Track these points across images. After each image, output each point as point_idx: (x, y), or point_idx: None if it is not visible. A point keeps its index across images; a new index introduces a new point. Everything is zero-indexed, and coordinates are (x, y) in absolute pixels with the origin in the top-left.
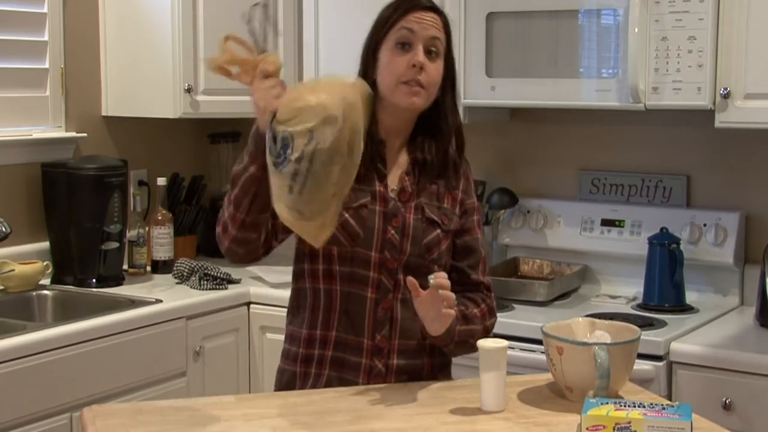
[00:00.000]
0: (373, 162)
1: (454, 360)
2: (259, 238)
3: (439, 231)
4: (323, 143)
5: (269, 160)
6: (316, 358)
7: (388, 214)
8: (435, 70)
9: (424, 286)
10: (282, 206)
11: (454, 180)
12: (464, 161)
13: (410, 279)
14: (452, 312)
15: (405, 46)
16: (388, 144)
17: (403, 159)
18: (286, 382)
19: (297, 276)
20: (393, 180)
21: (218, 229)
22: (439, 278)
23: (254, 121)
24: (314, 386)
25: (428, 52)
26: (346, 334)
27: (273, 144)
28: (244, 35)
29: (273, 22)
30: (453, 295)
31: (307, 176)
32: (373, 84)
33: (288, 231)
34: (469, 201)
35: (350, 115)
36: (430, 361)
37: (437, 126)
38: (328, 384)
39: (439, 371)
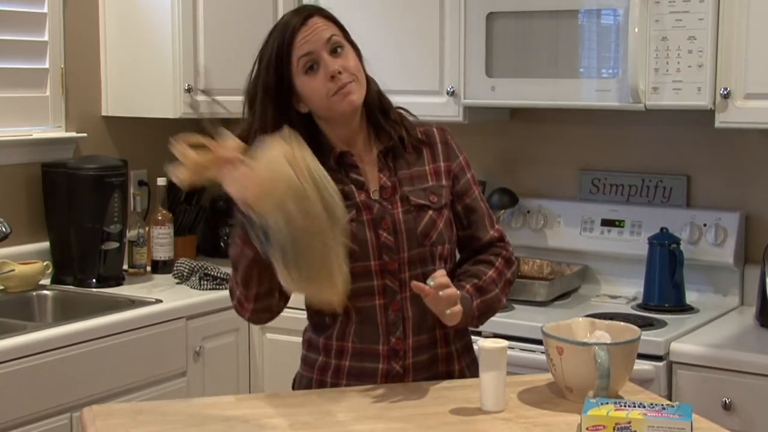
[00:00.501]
0: (348, 175)
1: None
2: (278, 301)
3: (430, 212)
4: (295, 219)
5: (257, 246)
6: (333, 367)
7: (376, 220)
8: (350, 60)
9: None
10: (286, 284)
11: (430, 152)
12: (438, 129)
13: (415, 283)
14: (457, 309)
15: (313, 66)
16: (353, 151)
17: (372, 158)
18: (305, 388)
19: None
20: (372, 182)
21: (234, 303)
22: (438, 278)
23: None
24: None
25: (333, 51)
26: (362, 344)
27: (251, 230)
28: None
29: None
30: (455, 292)
31: (297, 254)
32: (305, 115)
33: None
34: (455, 163)
35: (302, 171)
36: (446, 351)
37: (377, 111)
38: None
39: (456, 359)
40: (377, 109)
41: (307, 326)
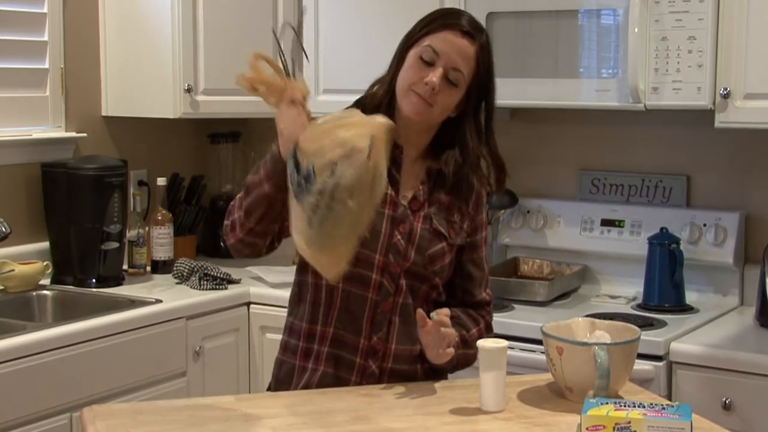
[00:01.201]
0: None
1: None
2: (265, 243)
3: (444, 244)
4: (345, 179)
5: (291, 187)
6: (314, 353)
7: (396, 219)
8: (447, 96)
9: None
10: (299, 236)
11: (467, 195)
12: (478, 190)
13: (420, 311)
14: (451, 351)
15: (427, 61)
16: (405, 151)
17: (419, 169)
18: (285, 374)
19: (301, 268)
20: (405, 188)
21: (226, 223)
22: (441, 315)
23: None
24: (309, 381)
25: (447, 78)
26: (344, 331)
27: (295, 173)
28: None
29: (300, 45)
30: (453, 333)
31: (326, 211)
32: (393, 79)
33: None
34: (479, 217)
35: (375, 154)
36: (423, 368)
37: (459, 142)
38: (323, 380)
39: (436, 378)
40: (463, 147)
41: (288, 311)
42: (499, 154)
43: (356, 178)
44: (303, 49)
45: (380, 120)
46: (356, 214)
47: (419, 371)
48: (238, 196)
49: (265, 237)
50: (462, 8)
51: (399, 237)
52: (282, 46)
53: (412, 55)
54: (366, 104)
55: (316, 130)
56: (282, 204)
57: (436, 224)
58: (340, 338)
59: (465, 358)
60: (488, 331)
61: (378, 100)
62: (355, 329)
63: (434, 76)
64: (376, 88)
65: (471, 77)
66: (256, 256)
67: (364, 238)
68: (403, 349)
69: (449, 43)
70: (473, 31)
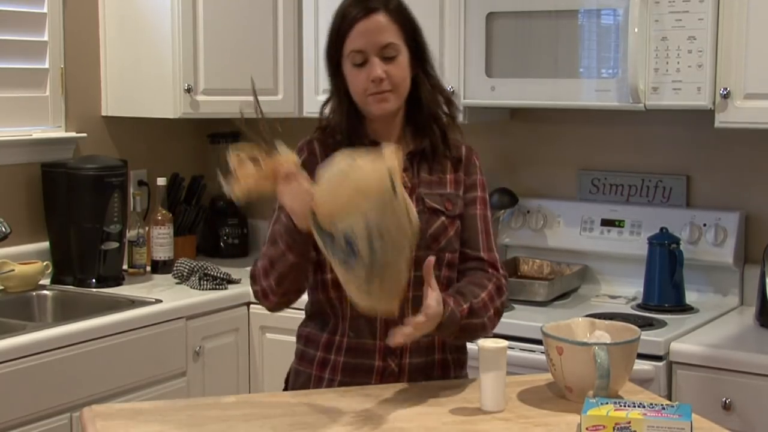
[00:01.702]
0: None
1: None
2: (299, 293)
3: (443, 218)
4: (388, 231)
5: (333, 260)
6: (331, 363)
7: None
8: (396, 69)
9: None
10: (356, 294)
11: (454, 162)
12: (467, 148)
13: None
14: (409, 331)
15: (361, 63)
16: (382, 145)
17: (401, 156)
18: (302, 384)
19: (310, 286)
20: None
21: (256, 289)
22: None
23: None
24: None
25: (384, 58)
26: (358, 338)
27: (331, 245)
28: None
29: (256, 101)
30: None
31: (384, 267)
32: (347, 93)
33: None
34: (471, 179)
35: (399, 186)
36: (442, 357)
37: (422, 114)
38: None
39: (454, 368)
40: (427, 113)
41: (303, 321)
42: (443, 86)
43: (395, 222)
44: (258, 106)
45: (386, 151)
46: (406, 249)
47: (436, 361)
48: (261, 264)
49: (300, 293)
50: (462, 8)
51: None
52: (258, 99)
53: (346, 65)
54: (332, 128)
55: (328, 190)
56: (308, 261)
57: (429, 202)
58: (355, 346)
59: (470, 328)
60: (499, 294)
61: (341, 119)
62: (371, 333)
63: (374, 70)
64: (331, 114)
65: (401, 38)
66: (289, 306)
67: None
68: (419, 341)
69: (363, 34)
70: (375, 3)
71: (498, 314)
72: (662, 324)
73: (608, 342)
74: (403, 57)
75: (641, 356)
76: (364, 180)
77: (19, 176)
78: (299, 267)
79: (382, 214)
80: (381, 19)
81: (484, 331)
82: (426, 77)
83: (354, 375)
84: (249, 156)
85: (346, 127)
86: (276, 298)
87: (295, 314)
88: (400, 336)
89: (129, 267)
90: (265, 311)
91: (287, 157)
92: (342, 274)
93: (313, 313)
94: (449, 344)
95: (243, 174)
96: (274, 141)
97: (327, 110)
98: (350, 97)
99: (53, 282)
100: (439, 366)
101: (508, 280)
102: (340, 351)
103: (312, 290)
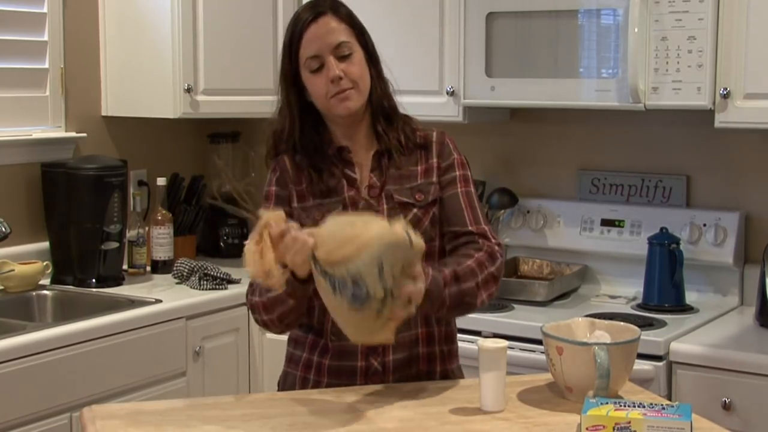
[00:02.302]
0: (343, 170)
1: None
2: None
3: (414, 210)
4: (397, 265)
5: (341, 301)
6: (315, 364)
7: None
8: (353, 66)
9: None
10: (359, 333)
11: (424, 152)
12: (438, 133)
13: None
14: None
15: (318, 68)
16: (352, 148)
17: (368, 157)
18: (290, 386)
19: None
20: (364, 181)
21: (256, 318)
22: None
23: (253, 123)
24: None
25: (339, 57)
26: (341, 341)
27: (342, 286)
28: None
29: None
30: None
31: (394, 300)
32: (309, 105)
33: None
34: (446, 161)
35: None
36: (427, 351)
37: (381, 112)
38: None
39: (442, 361)
40: (380, 113)
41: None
42: (384, 77)
43: (404, 258)
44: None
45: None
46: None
47: (420, 354)
48: (259, 300)
49: (302, 316)
50: (461, 9)
51: None
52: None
53: (305, 79)
54: (285, 145)
55: (333, 234)
56: (308, 297)
57: (397, 197)
58: (338, 348)
59: (461, 296)
60: (491, 260)
61: (293, 133)
62: None
63: (330, 70)
64: (283, 130)
65: (352, 37)
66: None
67: None
68: (401, 336)
69: (315, 38)
70: (321, 8)
71: (493, 280)
72: (662, 324)
73: (608, 342)
74: (358, 55)
75: (641, 356)
76: (380, 232)
77: (19, 176)
78: (301, 306)
79: (393, 254)
80: (330, 20)
81: (475, 297)
82: (374, 69)
83: (339, 377)
84: (252, 249)
85: (299, 138)
86: (280, 329)
87: None
88: None
89: (129, 267)
90: None
91: (271, 218)
92: (345, 314)
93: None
94: (437, 337)
95: (261, 270)
96: (252, 210)
97: (275, 124)
98: (304, 110)
99: (53, 282)
100: (424, 360)
101: (503, 247)
102: (325, 353)
103: None
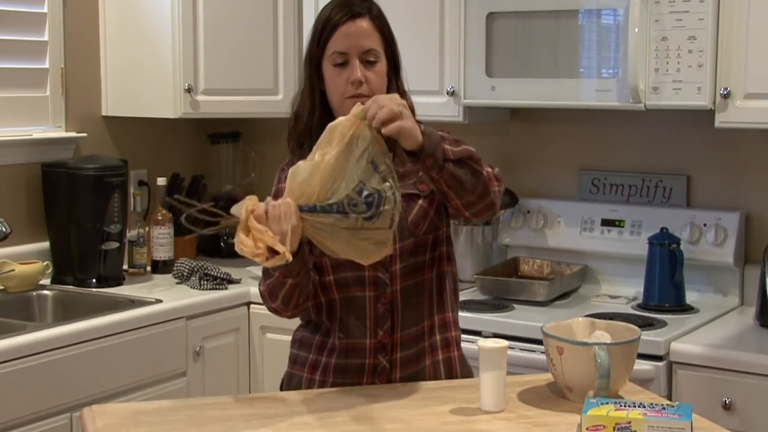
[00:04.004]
0: None
1: None
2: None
3: (420, 201)
4: (385, 159)
5: (355, 222)
6: (322, 364)
7: None
8: (375, 75)
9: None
10: (376, 249)
11: None
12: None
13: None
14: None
15: (342, 64)
16: None
17: None
18: (294, 387)
19: None
20: None
21: (268, 305)
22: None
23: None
24: None
25: (364, 62)
26: (348, 339)
27: (352, 204)
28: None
29: None
30: (402, 101)
31: (400, 198)
32: (323, 94)
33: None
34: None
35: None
36: (432, 341)
37: None
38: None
39: (442, 348)
40: None
41: (298, 326)
42: (406, 92)
43: (383, 148)
44: (187, 201)
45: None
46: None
47: (426, 347)
48: (263, 288)
49: (309, 299)
50: (461, 9)
51: None
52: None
53: (326, 67)
54: (304, 126)
55: (306, 176)
56: (308, 272)
57: (403, 190)
58: (345, 347)
59: (461, 154)
60: (497, 179)
61: (313, 114)
62: (360, 332)
63: (354, 72)
64: (303, 111)
65: (381, 46)
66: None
67: None
68: (408, 333)
69: (348, 36)
70: (359, 8)
71: (497, 179)
72: (662, 324)
73: (608, 342)
74: (382, 65)
75: (641, 356)
76: (339, 133)
77: (19, 176)
78: (301, 283)
79: (374, 148)
80: (365, 24)
81: (480, 166)
82: (395, 80)
83: (345, 375)
84: (243, 240)
85: (315, 123)
86: (289, 312)
87: None
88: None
89: (129, 267)
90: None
91: (245, 204)
92: (360, 235)
93: (306, 318)
94: (437, 323)
95: (253, 252)
96: (222, 213)
97: (296, 104)
98: (323, 96)
99: (53, 282)
100: (429, 351)
101: (501, 180)
102: (332, 353)
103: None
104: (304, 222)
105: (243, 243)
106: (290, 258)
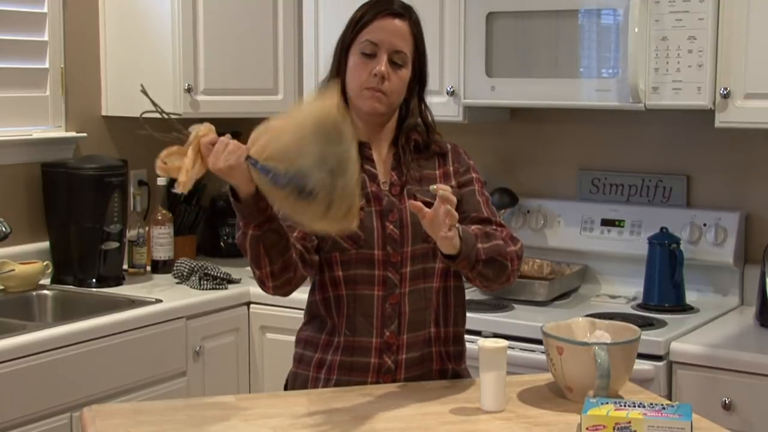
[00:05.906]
0: (362, 165)
1: None
2: (296, 272)
3: None
4: (341, 154)
5: (283, 194)
6: (328, 363)
7: (384, 212)
8: (398, 79)
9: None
10: (316, 222)
11: (441, 160)
12: (452, 144)
13: (412, 203)
14: (453, 233)
15: (370, 55)
16: (373, 146)
17: (389, 155)
18: (300, 386)
19: (311, 289)
20: (383, 178)
21: (257, 282)
22: (442, 188)
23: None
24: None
25: (392, 62)
26: (355, 336)
27: (284, 180)
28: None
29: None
30: (455, 214)
31: (344, 189)
32: (343, 82)
33: (316, 248)
34: (463, 166)
35: (337, 112)
36: (439, 350)
37: (407, 133)
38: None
39: (451, 360)
40: (405, 137)
41: (302, 326)
42: (430, 119)
43: (345, 144)
44: (156, 105)
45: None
46: (356, 164)
47: (433, 353)
48: (251, 265)
49: (290, 269)
50: (461, 9)
51: (392, 227)
52: (155, 101)
53: (353, 54)
54: None
55: (271, 131)
56: (275, 235)
57: (420, 197)
58: (351, 345)
59: (492, 251)
60: (513, 241)
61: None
62: (367, 330)
63: (380, 64)
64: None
65: (411, 54)
66: (301, 284)
67: (359, 238)
68: (415, 336)
69: (385, 30)
70: (403, 11)
71: (518, 258)
72: (662, 324)
73: (608, 342)
74: (407, 73)
75: (641, 356)
76: (311, 113)
77: (19, 176)
78: (267, 243)
79: (333, 141)
80: (403, 26)
81: (506, 254)
82: (418, 92)
83: (350, 373)
84: (174, 153)
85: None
86: (269, 282)
87: (295, 314)
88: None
89: (129, 267)
90: (265, 311)
91: (202, 130)
92: (296, 207)
93: (311, 316)
94: (442, 336)
95: (176, 169)
96: (182, 128)
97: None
98: (342, 87)
99: (53, 282)
100: (436, 358)
101: (522, 257)
102: (337, 350)
103: (310, 293)
104: (255, 174)
105: (171, 157)
106: (183, 190)
